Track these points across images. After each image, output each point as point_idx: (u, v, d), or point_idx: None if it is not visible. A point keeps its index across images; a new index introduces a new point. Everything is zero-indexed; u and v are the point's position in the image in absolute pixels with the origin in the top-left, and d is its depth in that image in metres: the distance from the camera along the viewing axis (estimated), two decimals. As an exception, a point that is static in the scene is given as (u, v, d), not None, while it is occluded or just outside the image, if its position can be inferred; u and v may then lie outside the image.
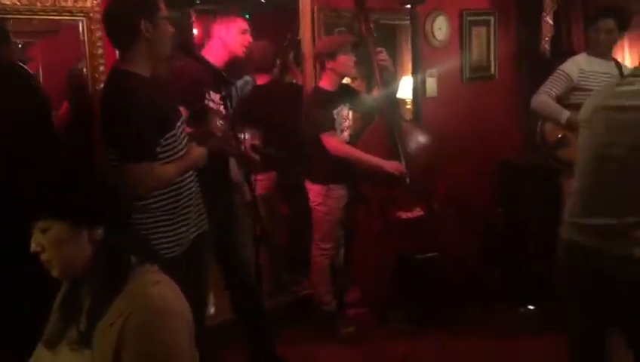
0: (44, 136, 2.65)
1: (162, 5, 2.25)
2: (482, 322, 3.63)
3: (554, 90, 3.65)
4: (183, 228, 2.32)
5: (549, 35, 4.36)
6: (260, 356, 3.04)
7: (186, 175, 2.34)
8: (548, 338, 3.27)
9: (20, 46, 3.08)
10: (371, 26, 3.53)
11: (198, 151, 2.38)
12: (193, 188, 2.39)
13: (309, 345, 3.50)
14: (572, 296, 2.10)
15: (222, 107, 2.68)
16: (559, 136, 3.62)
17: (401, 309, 3.60)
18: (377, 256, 3.48)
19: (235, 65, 3.14)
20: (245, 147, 2.72)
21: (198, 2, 5.05)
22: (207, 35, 4.22)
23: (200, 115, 2.74)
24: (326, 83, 3.51)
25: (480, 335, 3.50)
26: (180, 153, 2.28)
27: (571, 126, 3.44)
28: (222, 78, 2.57)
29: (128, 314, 1.35)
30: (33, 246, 1.40)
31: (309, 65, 3.78)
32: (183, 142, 2.31)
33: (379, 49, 3.49)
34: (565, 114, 3.56)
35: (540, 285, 3.63)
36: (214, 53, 2.90)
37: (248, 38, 2.98)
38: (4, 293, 2.40)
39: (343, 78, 3.55)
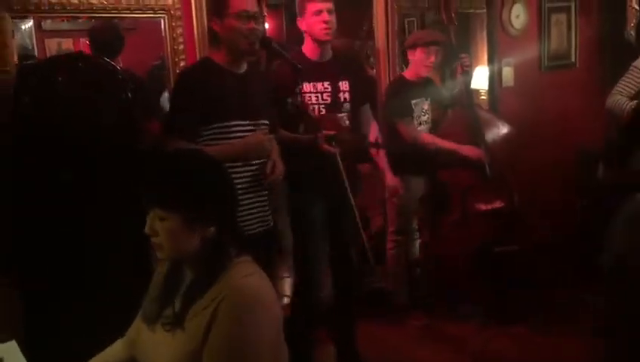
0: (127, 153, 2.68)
1: (236, 1, 2.30)
2: (562, 319, 3.50)
3: (628, 88, 3.44)
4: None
5: (634, 21, 4.16)
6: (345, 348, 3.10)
7: (244, 166, 2.36)
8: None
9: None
10: (453, 15, 3.47)
11: (251, 139, 2.35)
12: (250, 183, 2.39)
13: (381, 336, 3.49)
14: None
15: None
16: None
17: (478, 303, 3.53)
18: (454, 248, 3.43)
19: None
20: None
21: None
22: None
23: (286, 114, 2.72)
24: (409, 73, 3.52)
25: (559, 333, 3.38)
26: None
27: None
28: (296, 69, 2.58)
29: (222, 299, 1.42)
30: (147, 230, 1.48)
31: (382, 56, 3.76)
32: (236, 140, 2.34)
33: (463, 55, 3.48)
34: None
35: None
36: (308, 46, 2.85)
37: (324, 17, 2.73)
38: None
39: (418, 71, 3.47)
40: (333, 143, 2.60)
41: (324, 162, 2.65)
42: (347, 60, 3.03)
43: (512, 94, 4.20)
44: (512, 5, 4.20)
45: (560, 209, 4.08)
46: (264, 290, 1.49)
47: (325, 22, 2.74)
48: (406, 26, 3.93)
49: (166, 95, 3.44)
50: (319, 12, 2.74)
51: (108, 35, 3.09)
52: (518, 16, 4.25)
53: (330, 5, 2.76)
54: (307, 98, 2.75)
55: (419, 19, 3.98)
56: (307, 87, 2.76)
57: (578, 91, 4.54)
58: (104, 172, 2.46)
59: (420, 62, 3.42)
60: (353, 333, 3.13)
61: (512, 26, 4.24)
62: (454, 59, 3.51)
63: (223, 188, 1.55)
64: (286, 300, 3.51)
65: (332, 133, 2.61)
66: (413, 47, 3.42)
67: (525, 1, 4.25)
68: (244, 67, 2.42)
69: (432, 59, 3.40)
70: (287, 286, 3.72)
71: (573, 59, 4.56)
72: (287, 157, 2.51)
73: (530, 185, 3.79)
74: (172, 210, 1.45)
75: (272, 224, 2.54)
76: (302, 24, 2.82)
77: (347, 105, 2.90)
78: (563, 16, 4.46)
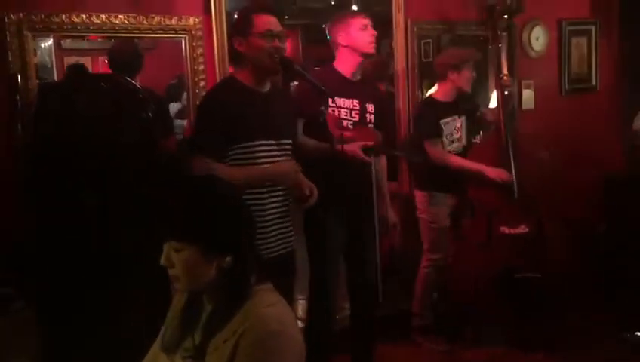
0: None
1: (260, 21, 2.31)
2: (585, 347, 3.40)
3: None
4: (261, 242, 2.30)
5: (656, 45, 4.12)
6: None
7: (271, 190, 2.35)
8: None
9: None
10: (499, 33, 3.51)
11: (278, 167, 2.37)
12: (277, 205, 2.38)
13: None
14: None
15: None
16: None
17: (498, 328, 3.44)
18: (476, 269, 3.34)
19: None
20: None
21: (286, 17, 5.11)
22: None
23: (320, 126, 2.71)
24: (440, 93, 3.52)
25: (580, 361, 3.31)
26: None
27: None
28: (320, 91, 2.56)
29: (243, 331, 1.37)
30: (163, 261, 1.43)
31: (402, 76, 3.75)
32: (260, 160, 2.32)
33: (503, 75, 3.50)
34: None
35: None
36: (344, 62, 2.89)
37: (371, 32, 2.85)
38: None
39: (459, 90, 3.49)
40: (371, 155, 2.66)
41: (351, 178, 2.70)
42: (373, 85, 3.13)
43: (531, 117, 4.16)
44: (533, 28, 4.18)
45: (583, 236, 4.02)
46: (287, 320, 1.45)
47: (373, 35, 2.85)
48: (422, 47, 3.93)
49: (175, 105, 3.44)
50: (365, 27, 2.84)
51: (127, 55, 3.09)
52: (538, 39, 4.24)
53: (371, 21, 2.87)
54: (337, 112, 2.80)
55: (435, 41, 3.98)
56: (339, 101, 2.81)
57: (599, 115, 4.49)
58: (124, 190, 2.43)
59: (466, 81, 3.45)
60: (371, 358, 3.07)
61: (532, 48, 4.22)
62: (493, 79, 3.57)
63: (238, 217, 1.50)
64: (300, 324, 3.45)
65: (370, 143, 2.66)
66: (459, 67, 3.42)
67: (545, 24, 4.23)
68: (267, 86, 2.42)
69: (474, 75, 3.46)
70: (301, 309, 3.65)
71: (594, 83, 4.53)
72: (314, 173, 2.48)
73: (552, 210, 3.72)
74: (187, 241, 1.41)
75: (293, 246, 2.51)
76: (344, 39, 2.86)
77: (371, 127, 2.95)
78: (583, 40, 4.44)
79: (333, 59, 2.95)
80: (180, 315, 1.54)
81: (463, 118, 3.53)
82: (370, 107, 2.94)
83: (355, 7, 4.14)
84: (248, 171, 2.30)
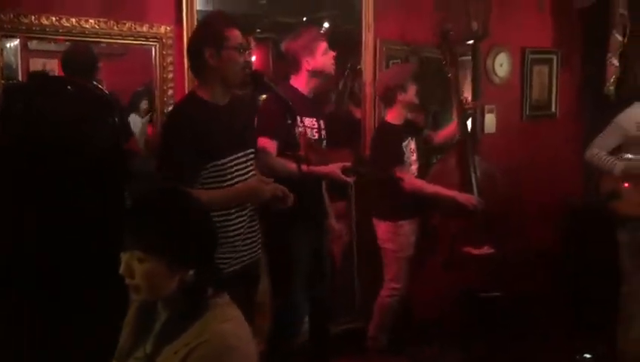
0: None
1: (233, 34, 2.32)
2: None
3: (607, 143, 3.47)
4: (229, 255, 2.31)
5: (614, 77, 4.27)
6: None
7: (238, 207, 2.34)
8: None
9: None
10: (456, 57, 3.54)
11: (248, 186, 2.37)
12: (244, 219, 2.38)
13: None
14: None
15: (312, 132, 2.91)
16: (612, 188, 3.44)
17: (461, 351, 3.42)
18: (438, 289, 3.36)
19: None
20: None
21: (258, 30, 5.13)
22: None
23: (293, 144, 2.73)
24: (393, 117, 3.47)
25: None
26: (224, 185, 2.30)
27: (627, 178, 3.35)
28: (289, 107, 2.59)
29: (197, 344, 1.37)
30: (123, 271, 1.41)
31: (369, 98, 3.78)
32: (232, 175, 2.32)
33: (466, 96, 3.59)
34: (619, 166, 3.38)
35: (599, 333, 3.49)
36: (304, 81, 2.94)
37: (332, 53, 2.96)
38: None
39: (409, 110, 3.50)
40: (350, 175, 2.80)
41: (310, 196, 2.76)
42: (318, 101, 3.19)
43: (493, 141, 4.26)
44: (497, 54, 4.30)
45: (542, 259, 4.11)
46: (244, 336, 1.45)
47: (333, 57, 2.95)
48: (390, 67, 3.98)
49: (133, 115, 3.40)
50: (326, 50, 2.93)
51: (81, 58, 3.01)
52: (501, 65, 4.35)
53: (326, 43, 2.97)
54: (305, 131, 2.85)
55: (403, 61, 4.04)
56: (305, 121, 2.86)
57: (557, 141, 4.63)
58: (88, 194, 2.41)
59: (413, 98, 3.43)
60: None
61: (496, 74, 4.33)
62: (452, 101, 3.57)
63: (207, 231, 1.51)
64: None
65: (348, 164, 2.78)
66: (405, 87, 3.40)
67: (509, 51, 4.35)
68: (227, 98, 2.40)
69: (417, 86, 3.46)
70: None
71: (553, 110, 4.67)
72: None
73: (516, 230, 3.81)
74: (154, 252, 1.39)
75: (260, 255, 2.52)
76: (310, 63, 2.90)
77: (324, 143, 3.02)
78: (545, 68, 4.58)
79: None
80: (133, 323, 1.54)
81: (414, 139, 3.53)
82: (322, 123, 3.00)
83: (326, 25, 4.20)
84: (216, 194, 2.27)
